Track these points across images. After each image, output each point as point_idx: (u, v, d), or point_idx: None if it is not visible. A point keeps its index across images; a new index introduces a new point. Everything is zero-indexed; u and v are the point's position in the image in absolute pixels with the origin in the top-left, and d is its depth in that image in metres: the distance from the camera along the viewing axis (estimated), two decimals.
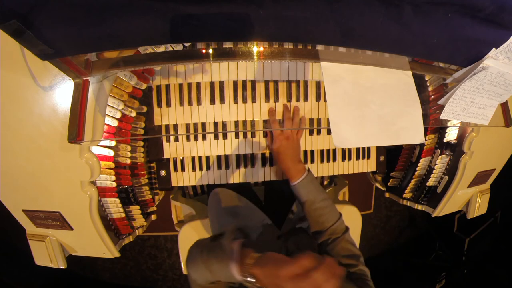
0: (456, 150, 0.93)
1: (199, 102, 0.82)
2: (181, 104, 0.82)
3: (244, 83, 0.83)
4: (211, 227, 0.97)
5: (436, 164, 0.97)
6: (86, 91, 0.55)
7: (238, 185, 0.94)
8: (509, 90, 0.59)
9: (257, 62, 0.80)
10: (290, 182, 0.80)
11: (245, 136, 0.89)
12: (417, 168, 1.01)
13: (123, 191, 0.81)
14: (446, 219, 1.49)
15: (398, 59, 0.60)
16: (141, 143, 0.85)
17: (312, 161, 0.96)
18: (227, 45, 0.62)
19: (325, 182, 1.25)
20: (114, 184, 0.77)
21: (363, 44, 0.51)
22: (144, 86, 0.72)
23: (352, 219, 1.11)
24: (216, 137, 0.88)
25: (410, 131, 0.60)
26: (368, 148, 1.04)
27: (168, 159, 0.90)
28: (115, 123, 0.69)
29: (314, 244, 0.77)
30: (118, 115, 0.69)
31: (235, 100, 0.83)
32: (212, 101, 0.82)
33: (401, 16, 0.46)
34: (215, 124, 0.87)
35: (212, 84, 0.82)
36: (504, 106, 0.72)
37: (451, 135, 0.92)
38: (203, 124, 0.86)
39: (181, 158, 0.91)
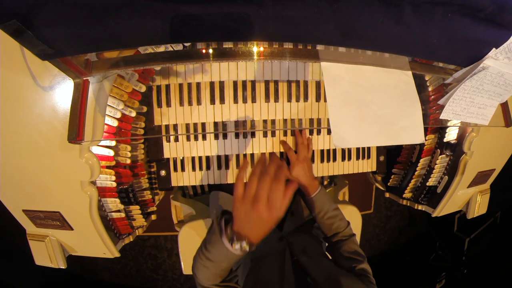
0: (456, 150, 0.93)
1: (199, 102, 0.82)
2: (181, 104, 0.82)
3: (244, 83, 0.83)
4: None
5: (436, 164, 0.97)
6: (86, 91, 0.55)
7: None
8: (509, 90, 0.60)
9: (257, 62, 0.80)
10: (307, 196, 0.85)
11: (245, 136, 0.89)
12: (417, 168, 1.01)
13: (123, 191, 0.81)
14: (446, 219, 1.49)
15: (398, 59, 0.60)
16: (141, 143, 0.85)
17: (312, 161, 0.96)
18: (227, 45, 0.62)
19: (325, 182, 1.25)
20: (114, 184, 0.77)
21: (363, 44, 0.51)
22: (144, 87, 0.72)
23: (352, 219, 1.10)
24: (216, 137, 0.88)
25: (410, 131, 0.60)
26: (368, 148, 1.04)
27: (168, 159, 0.90)
28: (115, 123, 0.69)
29: (319, 243, 0.84)
30: (118, 115, 0.69)
31: (235, 100, 0.83)
32: (212, 101, 0.82)
33: (401, 16, 0.46)
34: (215, 124, 0.87)
35: (212, 84, 0.82)
36: (504, 106, 0.72)
37: (451, 135, 0.92)
38: (203, 124, 0.86)
39: (181, 158, 0.91)
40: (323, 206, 0.83)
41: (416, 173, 1.02)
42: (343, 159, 1.00)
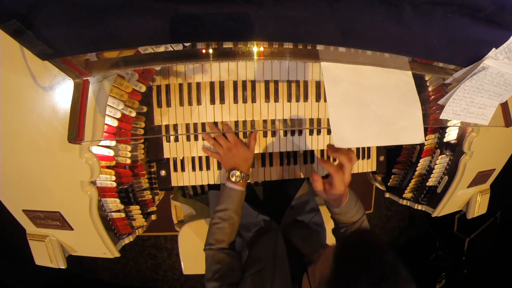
0: (456, 150, 0.93)
1: (199, 102, 0.82)
2: (181, 104, 0.82)
3: (244, 83, 0.83)
4: None
5: (436, 164, 0.97)
6: (86, 91, 0.55)
7: None
8: (509, 90, 0.60)
9: (257, 62, 0.80)
10: (339, 205, 0.73)
11: (245, 136, 0.89)
12: (417, 168, 1.01)
13: (123, 191, 0.81)
14: (446, 219, 1.49)
15: (398, 59, 0.60)
16: (141, 143, 0.85)
17: (312, 161, 0.96)
18: (227, 45, 0.62)
19: None
20: (114, 184, 0.77)
21: (363, 44, 0.51)
22: (144, 87, 0.72)
23: None
24: None
25: (410, 131, 0.60)
26: (368, 148, 1.04)
27: (168, 159, 0.90)
28: (115, 123, 0.69)
29: (316, 235, 0.86)
30: (118, 115, 0.69)
31: (235, 100, 0.83)
32: (212, 101, 0.82)
33: (401, 16, 0.46)
34: (215, 124, 0.86)
35: (212, 84, 0.82)
36: (504, 106, 0.72)
37: (451, 135, 0.92)
38: (203, 124, 0.86)
39: (181, 158, 0.91)
40: (350, 209, 0.76)
41: (416, 173, 1.02)
42: None
